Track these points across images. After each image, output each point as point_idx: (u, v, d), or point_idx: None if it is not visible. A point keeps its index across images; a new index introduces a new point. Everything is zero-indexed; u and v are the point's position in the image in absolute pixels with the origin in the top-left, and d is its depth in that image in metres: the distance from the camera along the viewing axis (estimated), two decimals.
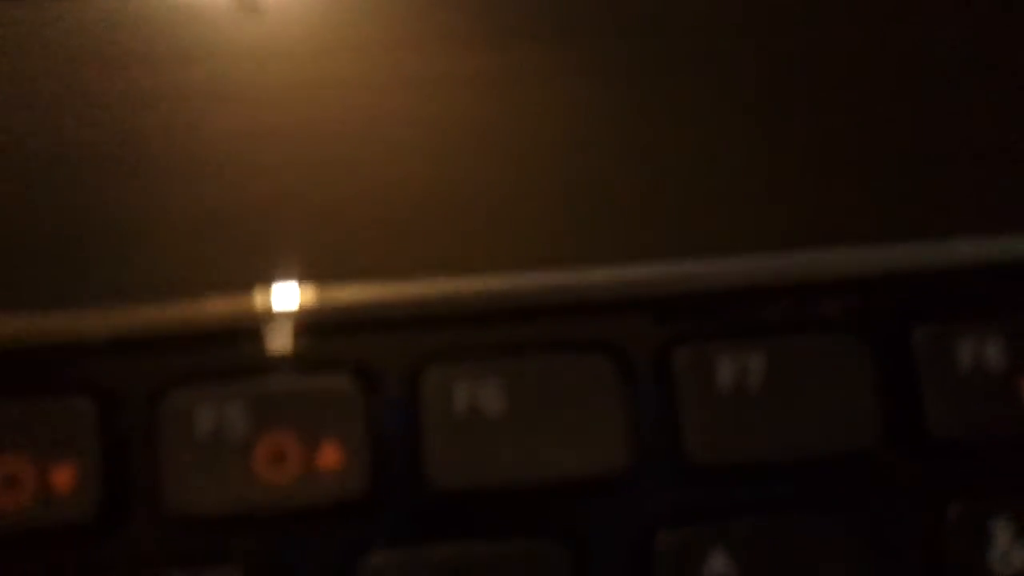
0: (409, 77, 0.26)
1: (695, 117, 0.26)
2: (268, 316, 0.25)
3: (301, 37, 0.26)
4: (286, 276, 0.25)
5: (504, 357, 0.25)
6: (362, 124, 0.26)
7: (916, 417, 0.25)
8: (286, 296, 0.25)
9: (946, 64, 0.26)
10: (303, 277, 0.25)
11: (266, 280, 0.25)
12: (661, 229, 0.26)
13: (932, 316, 0.25)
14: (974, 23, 0.26)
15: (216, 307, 0.25)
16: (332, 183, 0.25)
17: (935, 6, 0.27)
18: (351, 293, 0.25)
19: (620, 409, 0.24)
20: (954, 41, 0.26)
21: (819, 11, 0.26)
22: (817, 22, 0.26)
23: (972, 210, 0.26)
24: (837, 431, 0.25)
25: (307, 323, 0.25)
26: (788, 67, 0.26)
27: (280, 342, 0.25)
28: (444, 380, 0.24)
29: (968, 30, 0.26)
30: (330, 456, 0.24)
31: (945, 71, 0.26)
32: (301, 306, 0.25)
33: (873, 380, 0.25)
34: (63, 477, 0.24)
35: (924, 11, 0.26)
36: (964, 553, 0.24)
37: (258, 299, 0.25)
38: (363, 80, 0.26)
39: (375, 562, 0.24)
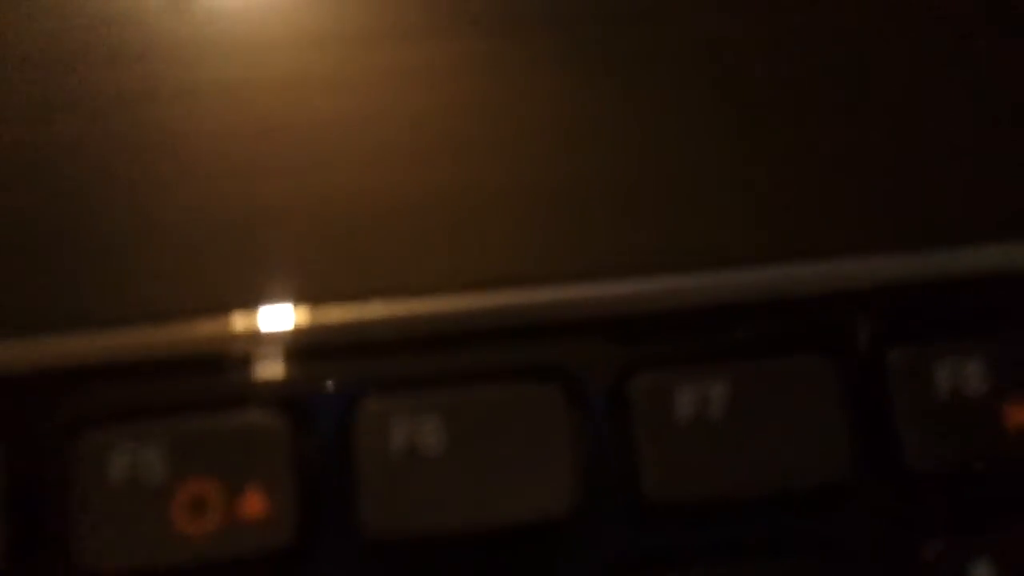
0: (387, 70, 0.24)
1: (658, 125, 0.24)
2: (186, 347, 0.23)
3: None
4: (204, 303, 0.23)
5: (445, 388, 0.23)
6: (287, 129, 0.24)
7: (891, 447, 0.23)
8: (209, 325, 0.23)
9: (935, 71, 0.25)
10: (223, 304, 0.23)
11: (189, 307, 0.23)
12: (616, 244, 0.24)
13: (907, 336, 0.24)
14: (965, 31, 0.25)
15: (135, 336, 0.23)
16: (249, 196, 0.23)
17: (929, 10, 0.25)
18: (277, 320, 0.23)
19: (570, 444, 0.23)
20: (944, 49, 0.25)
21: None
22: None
23: (950, 220, 0.24)
24: (806, 464, 0.23)
25: (230, 354, 0.23)
26: (757, 83, 0.24)
27: (197, 376, 0.23)
28: (380, 415, 0.22)
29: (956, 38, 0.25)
30: (254, 503, 0.22)
31: (935, 78, 0.25)
32: (222, 335, 0.23)
33: (844, 407, 0.23)
34: None
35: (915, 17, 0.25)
36: None
37: (176, 329, 0.23)
38: (324, 78, 0.24)
39: None
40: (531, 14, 0.25)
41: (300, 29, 0.24)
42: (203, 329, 0.23)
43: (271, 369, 0.23)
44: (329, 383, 0.23)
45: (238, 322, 0.23)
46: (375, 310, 0.23)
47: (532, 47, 0.24)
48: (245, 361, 0.23)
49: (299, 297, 0.23)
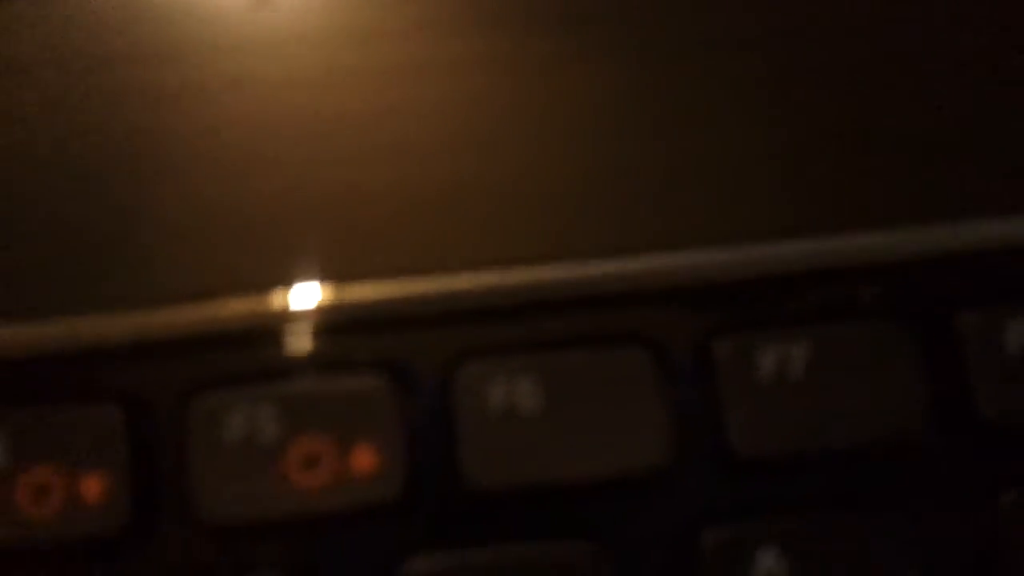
0: (420, 64, 0.25)
1: (715, 101, 0.25)
2: (292, 316, 0.24)
3: (309, 28, 0.25)
4: (307, 275, 0.24)
5: (539, 352, 0.24)
6: (373, 115, 0.25)
7: (965, 402, 0.24)
8: (308, 295, 0.24)
9: (971, 40, 0.25)
10: (324, 276, 0.24)
11: (287, 280, 0.24)
12: (695, 216, 0.25)
13: (977, 299, 0.24)
14: None
15: (239, 308, 0.24)
16: (345, 179, 0.25)
17: None
18: (375, 291, 0.24)
19: (660, 404, 0.24)
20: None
21: None
22: None
23: (1015, 188, 0.25)
24: (885, 419, 0.24)
25: (334, 322, 0.24)
26: (810, 46, 0.25)
27: (306, 342, 0.24)
28: (478, 377, 0.24)
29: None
30: (364, 459, 0.23)
31: (971, 47, 0.25)
32: (324, 305, 0.24)
33: (919, 366, 0.24)
34: (92, 487, 0.23)
35: None
36: (1020, 542, 0.23)
37: (280, 299, 0.24)
38: (375, 69, 0.25)
39: (413, 567, 0.23)
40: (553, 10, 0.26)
41: (325, 23, 0.26)
42: (305, 298, 0.24)
43: (373, 336, 0.24)
44: (429, 348, 0.24)
45: (332, 294, 0.24)
46: (472, 281, 0.24)
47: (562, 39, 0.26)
48: (349, 328, 0.24)
49: (397, 271, 0.24)
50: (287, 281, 0.24)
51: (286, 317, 0.24)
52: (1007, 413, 0.24)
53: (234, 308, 0.24)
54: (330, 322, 0.24)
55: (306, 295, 0.24)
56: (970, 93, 0.25)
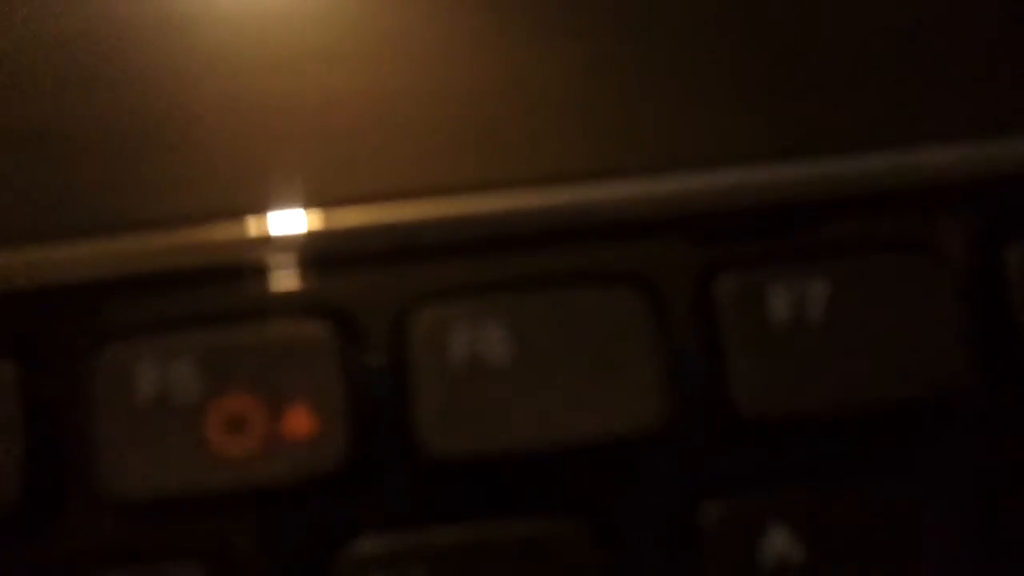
0: None
1: (717, 15, 0.22)
2: (216, 253, 0.21)
3: None
4: (236, 205, 0.21)
5: (509, 294, 0.21)
6: (347, 40, 0.22)
7: (1014, 351, 0.21)
8: (236, 228, 0.21)
9: None
10: (254, 206, 0.21)
11: (214, 211, 0.21)
12: (693, 135, 0.22)
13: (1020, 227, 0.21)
14: None
15: (153, 244, 0.21)
16: (277, 88, 0.21)
17: None
18: (313, 222, 0.21)
19: (652, 353, 0.21)
20: None
21: None
22: None
23: None
24: (918, 372, 0.21)
25: (265, 261, 0.21)
26: None
27: (232, 285, 0.21)
28: (438, 323, 0.21)
29: None
30: (298, 421, 0.20)
31: None
32: (253, 240, 0.21)
33: (956, 308, 0.21)
34: None
35: None
36: None
37: (203, 234, 0.21)
38: None
39: (362, 550, 0.20)
40: None
41: None
42: (231, 233, 0.21)
43: (312, 276, 0.21)
44: (378, 290, 0.21)
45: (270, 225, 0.21)
46: (429, 209, 0.21)
47: None
48: (283, 268, 0.21)
49: (339, 198, 0.21)
50: (214, 213, 0.21)
51: (209, 255, 0.21)
52: None
53: (147, 244, 0.21)
54: (261, 260, 0.21)
55: (234, 227, 0.21)
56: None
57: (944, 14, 0.22)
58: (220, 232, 0.21)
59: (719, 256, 0.21)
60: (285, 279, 0.21)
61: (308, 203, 0.21)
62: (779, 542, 0.20)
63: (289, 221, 0.21)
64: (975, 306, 0.21)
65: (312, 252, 0.21)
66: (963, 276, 0.21)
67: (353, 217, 0.21)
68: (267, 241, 0.21)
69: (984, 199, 0.22)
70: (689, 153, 0.22)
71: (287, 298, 0.21)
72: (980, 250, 0.22)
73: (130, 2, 0.22)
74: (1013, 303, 0.21)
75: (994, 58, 0.22)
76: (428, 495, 0.21)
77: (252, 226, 0.21)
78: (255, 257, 0.21)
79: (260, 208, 0.21)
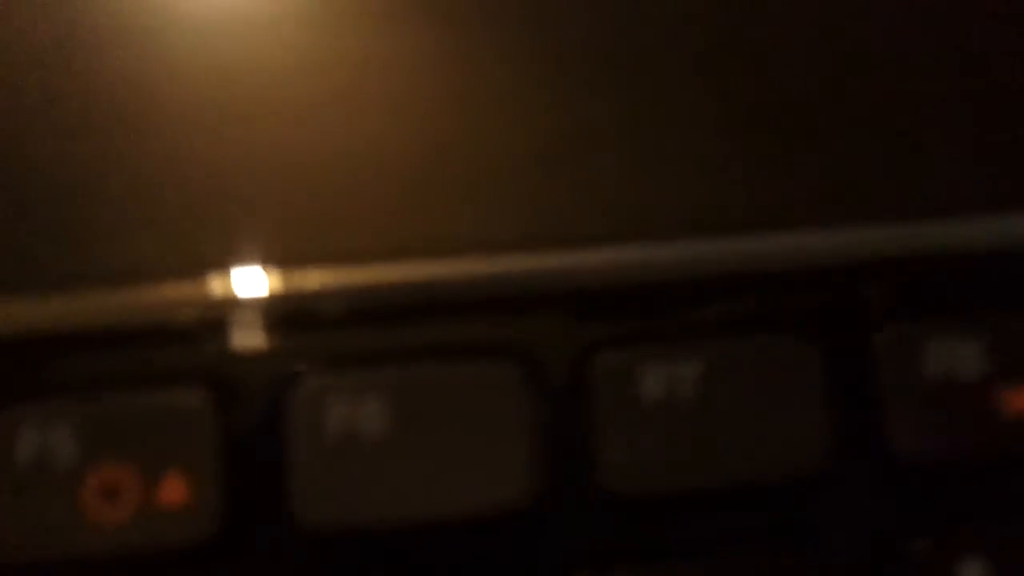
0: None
1: (618, 87, 0.22)
2: (104, 322, 0.21)
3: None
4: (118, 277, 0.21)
5: (388, 366, 0.21)
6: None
7: (876, 435, 0.21)
8: (119, 301, 0.21)
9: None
10: (137, 277, 0.21)
11: (98, 282, 0.21)
12: (578, 212, 0.22)
13: (895, 314, 0.22)
14: None
15: (42, 311, 0.21)
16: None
17: None
18: (192, 294, 0.21)
19: (527, 428, 0.21)
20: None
21: None
22: None
23: (941, 189, 0.22)
24: (784, 452, 0.21)
25: (149, 330, 0.21)
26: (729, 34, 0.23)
27: (116, 352, 0.21)
28: (315, 394, 0.20)
29: None
30: (173, 490, 0.20)
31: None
32: (136, 309, 0.21)
33: (826, 391, 0.21)
34: None
35: None
36: None
37: (93, 303, 0.21)
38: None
39: None
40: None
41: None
42: (122, 297, 0.21)
43: (194, 343, 0.21)
44: (260, 358, 0.21)
45: (161, 290, 0.21)
46: (314, 279, 0.21)
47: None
48: (164, 333, 0.21)
49: (232, 261, 0.21)
50: (98, 283, 0.21)
51: (97, 323, 0.21)
52: (922, 449, 0.21)
53: (37, 311, 0.21)
54: (145, 329, 0.21)
55: (117, 301, 0.21)
56: (896, 85, 0.22)
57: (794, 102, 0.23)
58: (97, 303, 0.21)
59: (597, 333, 0.21)
60: (162, 345, 0.21)
61: (195, 275, 0.21)
62: None
63: (168, 293, 0.21)
64: (844, 388, 0.21)
65: (188, 317, 0.21)
66: (832, 359, 0.22)
67: (236, 285, 0.21)
68: (147, 306, 0.21)
69: (857, 283, 0.22)
70: (570, 229, 0.22)
71: (166, 364, 0.21)
72: (851, 333, 0.22)
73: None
74: (882, 387, 0.21)
75: (861, 145, 0.23)
76: (301, 566, 0.20)
77: (131, 290, 0.21)
78: (139, 325, 0.21)
79: (145, 271, 0.21)
